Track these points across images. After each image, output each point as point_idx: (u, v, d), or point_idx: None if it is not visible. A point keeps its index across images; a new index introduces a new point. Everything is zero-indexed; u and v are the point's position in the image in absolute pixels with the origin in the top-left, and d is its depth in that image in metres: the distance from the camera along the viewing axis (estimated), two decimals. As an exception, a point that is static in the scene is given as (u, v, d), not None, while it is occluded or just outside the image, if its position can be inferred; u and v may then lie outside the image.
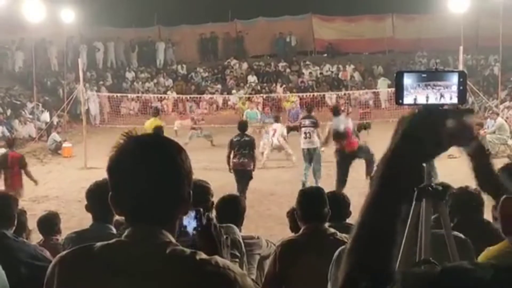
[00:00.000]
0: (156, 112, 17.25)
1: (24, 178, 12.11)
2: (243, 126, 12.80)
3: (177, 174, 1.79)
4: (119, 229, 4.22)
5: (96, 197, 4.25)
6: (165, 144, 1.83)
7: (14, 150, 12.43)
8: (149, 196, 1.76)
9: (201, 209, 2.01)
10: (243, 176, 12.18)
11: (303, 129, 13.96)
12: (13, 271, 3.76)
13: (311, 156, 13.81)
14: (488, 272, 1.24)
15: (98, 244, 1.77)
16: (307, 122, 13.97)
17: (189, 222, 1.98)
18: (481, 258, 3.05)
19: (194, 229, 1.99)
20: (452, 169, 13.70)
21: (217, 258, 1.73)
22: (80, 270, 1.73)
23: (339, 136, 12.43)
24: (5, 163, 11.84)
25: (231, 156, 12.27)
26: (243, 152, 12.17)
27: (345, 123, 12.72)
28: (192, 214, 1.98)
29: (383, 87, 28.19)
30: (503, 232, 2.54)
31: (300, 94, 25.71)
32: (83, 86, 19.30)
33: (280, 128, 16.88)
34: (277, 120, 17.51)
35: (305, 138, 13.80)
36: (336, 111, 13.10)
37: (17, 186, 11.68)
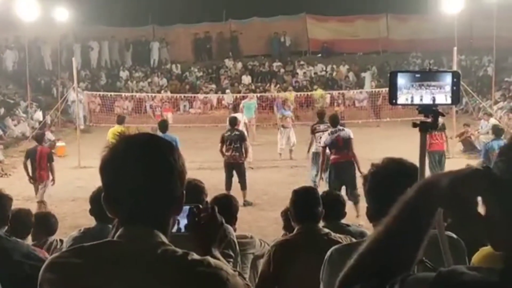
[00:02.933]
0: (121, 120, 15.08)
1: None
2: (232, 121, 13.36)
3: (169, 174, 1.78)
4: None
5: (98, 201, 4.27)
6: (157, 144, 1.82)
7: (43, 145, 12.85)
8: (141, 196, 1.75)
9: (200, 206, 2.00)
10: (237, 169, 12.71)
11: (318, 134, 13.28)
12: (5, 271, 3.75)
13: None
14: (488, 276, 1.23)
15: (89, 244, 1.76)
16: (321, 127, 13.33)
17: (184, 218, 1.96)
18: (475, 258, 3.05)
19: (187, 225, 1.97)
20: (447, 168, 13.79)
21: (209, 258, 1.73)
22: (71, 272, 1.71)
23: (331, 145, 11.49)
24: (34, 156, 12.32)
25: (224, 150, 12.82)
26: (234, 146, 12.67)
27: (339, 132, 11.62)
28: (185, 209, 1.95)
29: (368, 82, 28.65)
30: None
31: (294, 94, 25.74)
32: (77, 85, 19.24)
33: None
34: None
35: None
36: (335, 122, 11.85)
37: (45, 178, 12.30)
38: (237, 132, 12.92)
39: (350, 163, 11.20)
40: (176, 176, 1.79)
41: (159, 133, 12.23)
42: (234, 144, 12.68)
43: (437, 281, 1.27)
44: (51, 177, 12.37)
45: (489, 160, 11.78)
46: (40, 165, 12.25)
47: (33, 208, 11.09)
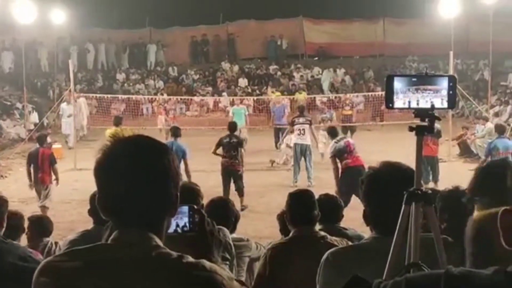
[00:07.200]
0: (118, 122, 15.01)
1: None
2: (232, 126, 13.05)
3: (163, 176, 1.77)
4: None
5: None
6: (151, 146, 1.81)
7: (45, 146, 12.45)
8: (135, 199, 1.74)
9: (195, 206, 1.98)
10: (234, 176, 12.48)
11: (296, 126, 14.32)
12: (1, 273, 3.74)
13: (303, 152, 14.15)
14: (494, 276, 1.22)
15: (82, 247, 1.75)
16: (301, 120, 14.43)
17: (180, 219, 1.94)
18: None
19: (184, 227, 1.95)
20: (443, 171, 13.82)
21: (204, 261, 1.72)
22: (64, 275, 1.70)
23: (341, 152, 11.17)
24: (36, 159, 11.89)
25: (222, 154, 12.57)
26: (232, 154, 12.45)
27: (346, 139, 11.59)
28: (184, 210, 1.94)
29: (326, 81, 30.11)
30: (506, 244, 2.55)
31: (291, 97, 25.71)
32: (73, 89, 19.21)
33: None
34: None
35: (299, 134, 14.19)
36: (334, 134, 11.83)
37: (47, 181, 11.91)
38: (234, 140, 12.62)
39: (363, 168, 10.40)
40: (170, 178, 1.78)
41: (171, 139, 12.24)
42: (232, 152, 12.43)
43: (450, 281, 1.24)
44: (54, 179, 12.04)
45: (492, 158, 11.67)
46: (43, 168, 11.88)
47: (30, 210, 11.09)
